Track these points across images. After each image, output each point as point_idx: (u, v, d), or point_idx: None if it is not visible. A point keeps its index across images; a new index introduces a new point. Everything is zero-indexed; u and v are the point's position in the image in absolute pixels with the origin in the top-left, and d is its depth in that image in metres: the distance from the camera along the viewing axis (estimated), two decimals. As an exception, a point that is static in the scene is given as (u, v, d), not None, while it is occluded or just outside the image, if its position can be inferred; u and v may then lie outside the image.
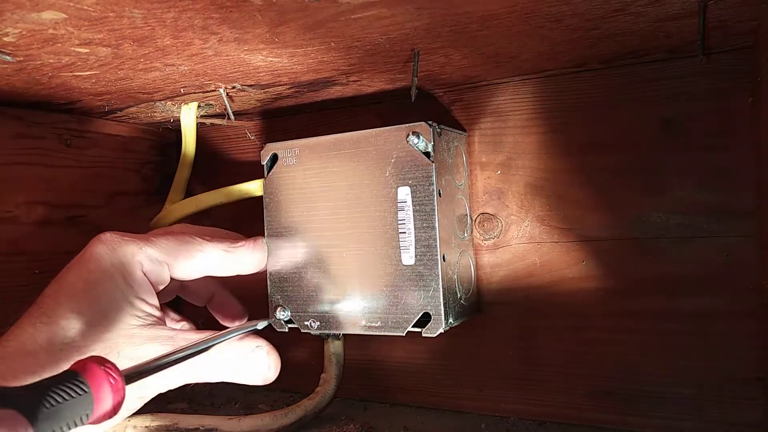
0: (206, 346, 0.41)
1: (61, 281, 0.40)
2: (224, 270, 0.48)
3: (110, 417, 0.30)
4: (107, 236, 0.42)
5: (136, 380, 0.34)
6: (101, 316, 0.38)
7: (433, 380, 0.59)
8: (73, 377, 0.29)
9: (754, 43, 0.45)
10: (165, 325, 0.42)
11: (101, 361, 0.30)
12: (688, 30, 0.42)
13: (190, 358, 0.39)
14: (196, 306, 0.54)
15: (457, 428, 0.55)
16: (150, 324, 0.41)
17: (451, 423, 0.56)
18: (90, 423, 0.29)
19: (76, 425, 0.28)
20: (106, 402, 0.30)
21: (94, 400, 0.29)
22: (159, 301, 0.44)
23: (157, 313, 0.42)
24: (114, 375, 0.30)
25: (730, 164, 0.47)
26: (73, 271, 0.40)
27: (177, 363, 0.38)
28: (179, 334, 0.41)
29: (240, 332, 0.45)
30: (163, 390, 0.40)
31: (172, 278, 0.45)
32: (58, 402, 0.27)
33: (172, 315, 0.49)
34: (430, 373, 0.59)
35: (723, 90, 0.47)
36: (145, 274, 0.42)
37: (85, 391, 0.29)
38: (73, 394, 0.28)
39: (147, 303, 0.41)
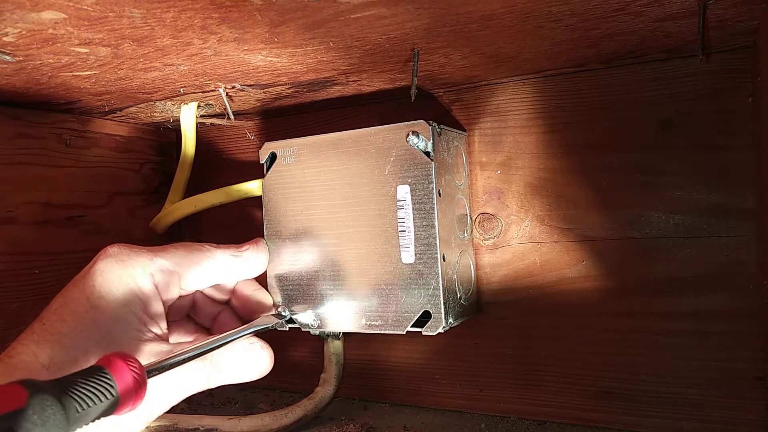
0: (225, 341, 0.42)
1: (66, 296, 0.39)
2: (232, 275, 0.48)
3: (132, 408, 0.32)
4: (115, 249, 0.41)
5: (157, 374, 0.35)
6: (105, 332, 0.38)
7: (433, 380, 0.59)
8: (100, 371, 0.31)
9: (754, 43, 0.45)
10: (167, 341, 0.41)
11: (125, 357, 0.32)
12: (687, 30, 0.42)
13: (210, 352, 0.40)
14: None
15: (457, 428, 0.54)
16: (153, 340, 0.40)
17: (451, 423, 0.56)
18: (117, 413, 0.31)
19: (103, 415, 0.30)
20: (130, 394, 0.32)
21: (119, 393, 0.31)
22: (170, 319, 0.44)
23: (160, 331, 0.41)
24: (137, 370, 0.32)
25: (730, 164, 0.47)
26: (78, 285, 0.39)
27: (198, 357, 0.39)
28: (181, 347, 0.40)
29: (256, 329, 0.45)
30: (166, 408, 0.40)
31: (181, 293, 0.45)
32: (86, 394, 0.29)
33: (187, 326, 0.49)
34: (430, 373, 0.59)
35: (723, 90, 0.47)
36: (155, 286, 0.41)
37: (111, 384, 0.31)
38: (100, 387, 0.30)
39: (152, 319, 0.41)
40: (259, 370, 0.44)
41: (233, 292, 0.49)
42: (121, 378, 0.31)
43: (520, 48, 0.45)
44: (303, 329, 0.52)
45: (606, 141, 0.51)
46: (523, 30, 0.40)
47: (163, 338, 0.41)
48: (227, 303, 0.50)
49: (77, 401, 0.29)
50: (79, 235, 0.62)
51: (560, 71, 0.52)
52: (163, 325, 0.42)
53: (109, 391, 0.30)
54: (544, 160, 0.53)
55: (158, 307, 0.41)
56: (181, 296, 0.45)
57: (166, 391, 0.39)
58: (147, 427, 0.57)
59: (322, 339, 0.56)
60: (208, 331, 0.49)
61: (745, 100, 0.46)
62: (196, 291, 0.47)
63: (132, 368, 0.32)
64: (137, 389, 0.32)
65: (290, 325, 0.52)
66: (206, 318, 0.49)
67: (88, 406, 0.29)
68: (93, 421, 0.30)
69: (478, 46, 0.44)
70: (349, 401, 0.63)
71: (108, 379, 0.31)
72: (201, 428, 0.56)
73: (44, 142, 0.59)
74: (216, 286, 0.48)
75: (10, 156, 0.56)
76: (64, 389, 0.29)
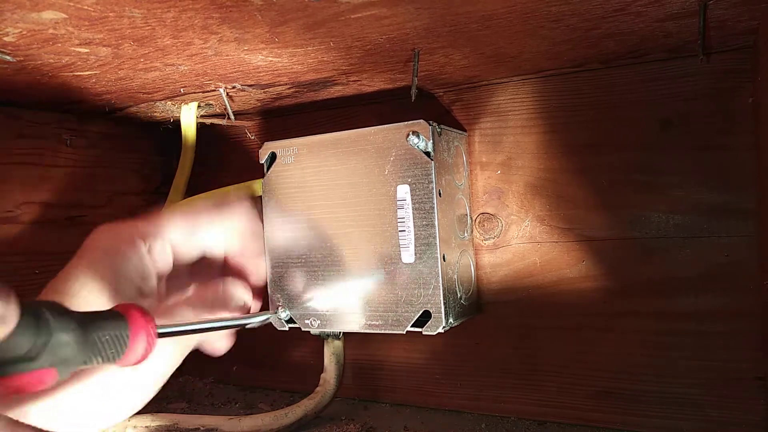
0: (229, 324, 0.42)
1: (63, 271, 0.40)
2: (219, 231, 0.47)
3: (137, 363, 0.32)
4: (103, 227, 0.43)
5: (168, 336, 0.35)
6: (100, 289, 0.39)
7: (433, 380, 0.59)
8: (118, 317, 0.31)
9: (754, 44, 0.45)
10: (161, 301, 0.43)
11: (143, 312, 0.32)
12: (688, 30, 0.42)
13: (215, 330, 0.41)
14: None
15: (457, 428, 0.55)
16: (146, 297, 0.41)
17: (451, 423, 0.56)
18: (118, 364, 0.31)
19: (106, 361, 0.30)
20: (139, 348, 0.31)
21: (129, 344, 0.31)
22: (172, 283, 0.45)
23: (149, 287, 0.42)
24: (151, 327, 0.32)
25: (730, 164, 0.47)
26: (73, 260, 0.41)
27: (207, 332, 0.40)
28: (176, 308, 0.41)
29: (257, 320, 0.45)
30: (168, 373, 0.41)
31: (176, 260, 0.45)
32: (100, 334, 0.29)
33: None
34: (430, 373, 0.59)
35: (723, 90, 0.47)
36: (145, 253, 0.42)
37: (124, 334, 0.30)
38: (115, 333, 0.30)
39: (145, 279, 0.41)
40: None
41: (225, 261, 0.49)
42: (135, 331, 0.31)
43: (521, 48, 0.45)
44: (303, 329, 0.52)
45: (606, 141, 0.51)
46: (524, 30, 0.40)
47: (158, 296, 0.42)
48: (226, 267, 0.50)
49: (88, 334, 0.29)
50: (79, 235, 0.61)
51: (560, 71, 0.52)
52: (153, 282, 0.42)
53: (120, 341, 0.30)
54: (544, 160, 0.53)
55: (148, 268, 0.42)
56: (178, 262, 0.45)
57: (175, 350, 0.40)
58: (147, 427, 0.57)
59: (322, 339, 0.56)
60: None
61: (746, 100, 0.46)
62: (196, 257, 0.47)
63: (147, 321, 0.32)
64: (146, 348, 0.32)
65: (290, 325, 0.52)
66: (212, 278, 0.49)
67: (95, 340, 0.29)
68: (99, 362, 0.30)
69: (479, 46, 0.44)
70: (349, 401, 0.63)
71: (124, 325, 0.30)
72: (201, 428, 0.56)
73: (44, 142, 0.59)
74: (210, 259, 0.48)
75: (10, 156, 0.57)
76: (84, 319, 0.29)
